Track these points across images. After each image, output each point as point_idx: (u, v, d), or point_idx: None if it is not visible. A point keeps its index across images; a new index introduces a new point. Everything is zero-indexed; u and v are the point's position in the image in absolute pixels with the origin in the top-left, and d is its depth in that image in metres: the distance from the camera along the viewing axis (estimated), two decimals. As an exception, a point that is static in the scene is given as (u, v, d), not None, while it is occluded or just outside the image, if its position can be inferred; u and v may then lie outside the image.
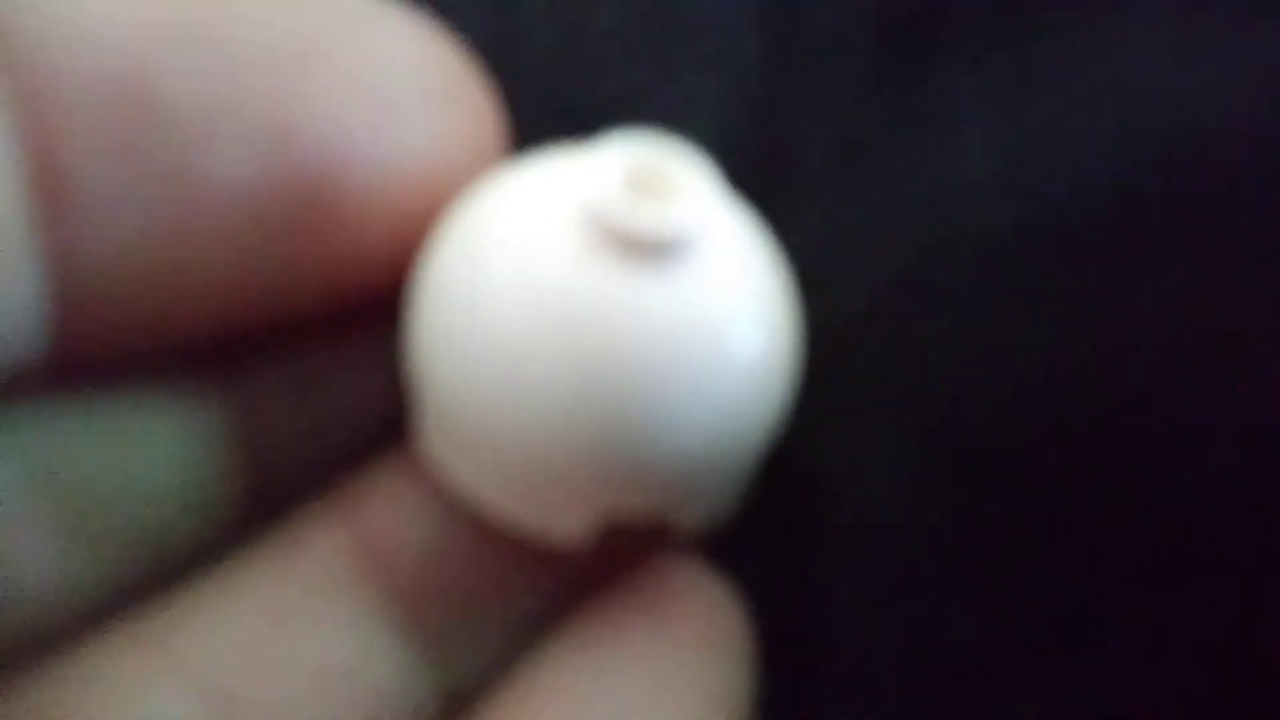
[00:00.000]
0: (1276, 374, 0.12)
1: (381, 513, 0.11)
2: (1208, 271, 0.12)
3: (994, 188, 0.13)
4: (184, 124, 0.09)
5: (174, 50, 0.09)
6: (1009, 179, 0.13)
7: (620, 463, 0.10)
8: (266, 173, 0.10)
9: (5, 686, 0.10)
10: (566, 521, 0.11)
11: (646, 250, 0.10)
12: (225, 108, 0.09)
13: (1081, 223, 0.13)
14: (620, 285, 0.10)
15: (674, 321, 0.10)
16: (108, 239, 0.09)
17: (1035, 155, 0.13)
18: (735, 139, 0.14)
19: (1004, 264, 0.13)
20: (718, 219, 0.10)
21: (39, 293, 0.09)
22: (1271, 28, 0.12)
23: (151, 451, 0.11)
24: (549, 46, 0.14)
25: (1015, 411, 0.12)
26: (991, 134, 0.13)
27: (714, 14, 0.14)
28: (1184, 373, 0.12)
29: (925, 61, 0.14)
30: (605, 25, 0.14)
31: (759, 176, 0.12)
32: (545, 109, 0.14)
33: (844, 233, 0.13)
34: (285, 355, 0.12)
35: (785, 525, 0.13)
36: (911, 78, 0.14)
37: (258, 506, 0.12)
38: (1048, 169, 0.13)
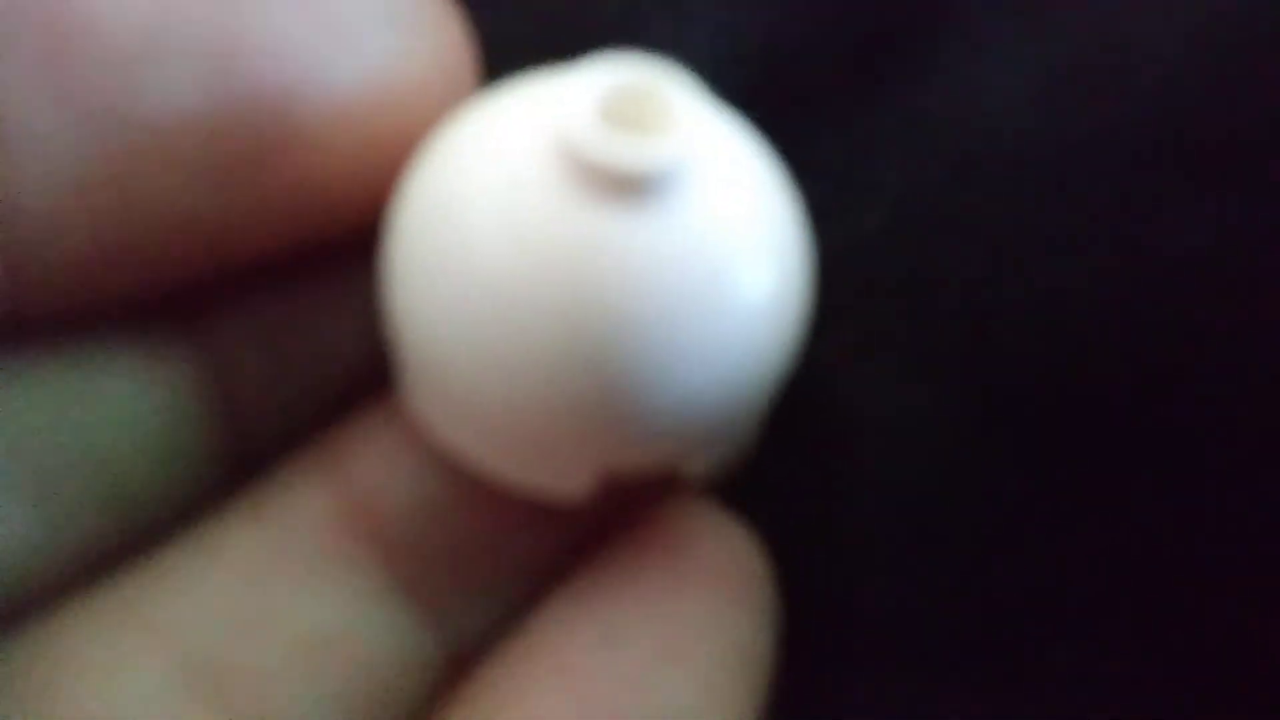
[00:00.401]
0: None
1: (369, 466, 0.11)
2: (1268, 204, 0.11)
3: (1028, 106, 0.12)
4: (123, 53, 0.09)
5: None
6: (1046, 97, 0.12)
7: (617, 419, 0.09)
8: (214, 99, 0.09)
9: None
10: (564, 481, 0.10)
11: (626, 187, 0.09)
12: (165, 32, 0.09)
13: (1128, 146, 0.12)
14: (604, 225, 0.09)
15: (667, 261, 0.09)
16: (50, 180, 0.09)
17: (1076, 73, 0.12)
18: (743, 56, 0.13)
19: (1039, 188, 0.12)
20: (713, 147, 0.09)
21: None
22: None
23: (120, 408, 0.11)
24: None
25: (1046, 342, 0.12)
26: (1019, 48, 0.12)
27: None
28: (1235, 310, 0.11)
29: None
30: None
31: (767, 96, 0.12)
32: (537, 32, 0.13)
33: (860, 153, 0.13)
34: (258, 301, 0.11)
35: (803, 466, 0.12)
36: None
37: (236, 463, 0.11)
38: (1090, 87, 0.12)
